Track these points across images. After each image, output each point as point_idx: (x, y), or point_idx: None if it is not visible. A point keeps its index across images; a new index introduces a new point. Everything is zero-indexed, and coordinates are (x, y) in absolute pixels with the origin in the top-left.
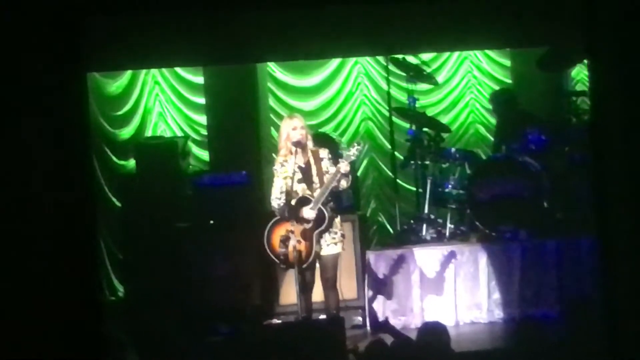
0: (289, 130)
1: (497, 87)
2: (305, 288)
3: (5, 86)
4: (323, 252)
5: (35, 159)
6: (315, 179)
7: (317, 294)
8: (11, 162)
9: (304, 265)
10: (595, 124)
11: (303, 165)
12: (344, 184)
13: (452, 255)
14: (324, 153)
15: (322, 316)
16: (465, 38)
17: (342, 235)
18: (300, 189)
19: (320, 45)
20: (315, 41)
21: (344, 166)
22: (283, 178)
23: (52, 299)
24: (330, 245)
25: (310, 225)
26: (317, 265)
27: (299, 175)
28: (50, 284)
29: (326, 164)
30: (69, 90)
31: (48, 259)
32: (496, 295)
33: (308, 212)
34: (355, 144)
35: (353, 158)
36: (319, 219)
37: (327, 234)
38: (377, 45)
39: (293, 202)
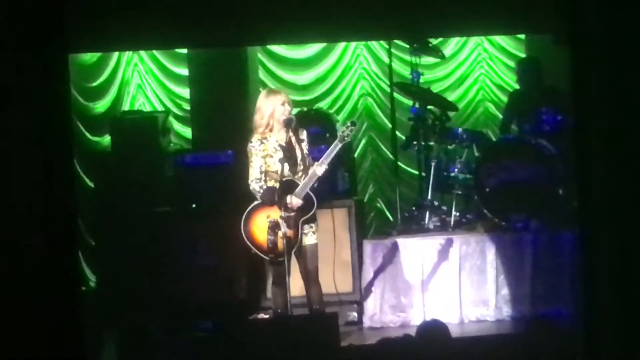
0: (277, 106)
1: (509, 62)
2: (285, 282)
3: None
4: (304, 242)
5: (14, 144)
6: (300, 162)
7: (296, 289)
8: None
9: (289, 256)
10: (578, 116)
11: (285, 145)
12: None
13: (457, 245)
14: (303, 134)
15: (304, 312)
16: (473, 22)
17: (317, 225)
18: (281, 169)
19: (318, 29)
20: (314, 24)
21: (320, 170)
22: (262, 157)
23: (27, 290)
24: (308, 234)
25: (295, 212)
26: (293, 256)
27: (280, 155)
28: (27, 272)
29: (306, 147)
30: (49, 71)
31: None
32: (505, 291)
33: (295, 198)
34: (349, 124)
35: (347, 140)
36: (307, 205)
37: (306, 223)
38: (379, 29)
39: (277, 185)
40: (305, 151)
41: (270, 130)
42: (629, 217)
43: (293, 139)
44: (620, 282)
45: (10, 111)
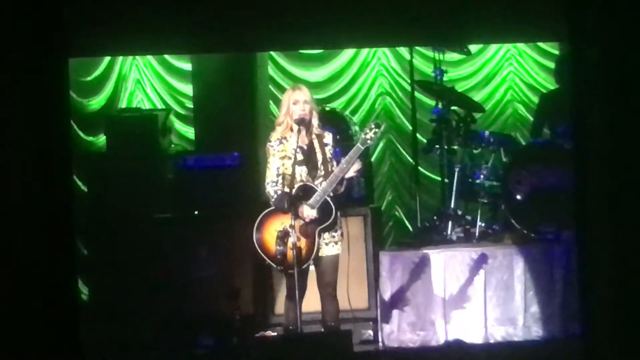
0: (290, 104)
1: (541, 59)
2: (295, 295)
3: None
4: (322, 253)
5: (14, 148)
6: (320, 166)
7: (311, 303)
8: None
9: (303, 267)
10: (577, 117)
11: (305, 147)
12: (339, 188)
13: (482, 259)
14: (328, 138)
15: (319, 329)
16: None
17: (342, 234)
18: (300, 172)
19: (334, 35)
20: (330, 30)
21: (355, 167)
22: (280, 158)
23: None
24: (330, 244)
25: (312, 219)
26: (312, 268)
27: (300, 157)
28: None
29: (330, 151)
30: (49, 75)
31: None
32: (534, 309)
33: (307, 208)
34: (373, 126)
35: (369, 143)
36: (324, 213)
37: (326, 232)
38: (395, 35)
39: (293, 190)
40: (329, 155)
41: (291, 130)
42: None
43: (316, 142)
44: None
45: (9, 114)
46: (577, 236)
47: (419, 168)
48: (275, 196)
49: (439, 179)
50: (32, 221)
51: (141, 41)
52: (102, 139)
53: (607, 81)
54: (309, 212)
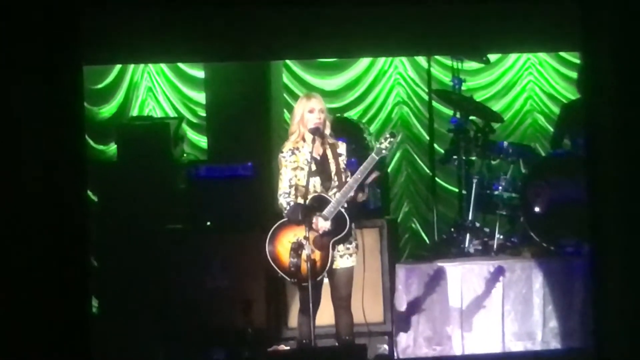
0: (304, 113)
1: (562, 68)
2: (309, 308)
3: None
4: (336, 265)
5: (28, 158)
6: (334, 176)
7: (325, 317)
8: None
9: (317, 280)
10: (589, 124)
11: (319, 158)
12: (359, 196)
13: (500, 272)
14: (342, 148)
15: (333, 343)
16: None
17: (357, 246)
18: (314, 183)
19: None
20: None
21: (355, 186)
22: (292, 169)
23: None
24: (344, 256)
25: (326, 231)
26: (326, 281)
27: (313, 167)
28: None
29: (344, 161)
30: (63, 83)
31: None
32: (553, 323)
33: (321, 220)
34: (388, 135)
35: (385, 153)
36: (338, 225)
37: (340, 244)
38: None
39: (307, 201)
40: (342, 165)
41: (303, 140)
42: None
43: (329, 152)
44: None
45: (23, 121)
46: (590, 247)
47: (436, 179)
48: (288, 207)
49: (457, 190)
50: (46, 233)
51: (155, 49)
52: (112, 147)
53: (621, 91)
54: (322, 223)
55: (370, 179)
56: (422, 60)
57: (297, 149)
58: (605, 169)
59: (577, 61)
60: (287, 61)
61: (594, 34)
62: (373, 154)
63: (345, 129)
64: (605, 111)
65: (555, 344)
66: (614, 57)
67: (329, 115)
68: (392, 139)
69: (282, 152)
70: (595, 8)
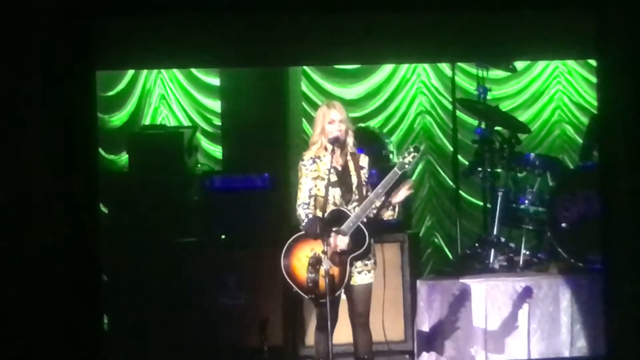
0: (325, 123)
1: (591, 77)
2: (327, 326)
3: (11, 86)
4: (353, 282)
5: (39, 166)
6: (355, 189)
7: (343, 335)
8: (13, 167)
9: (335, 296)
10: (603, 132)
11: (339, 168)
12: (389, 214)
13: (527, 290)
14: (364, 161)
15: None
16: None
17: (375, 262)
18: (334, 194)
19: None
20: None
21: (401, 194)
22: (313, 178)
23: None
24: (362, 272)
25: (345, 246)
26: (343, 297)
27: (333, 178)
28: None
29: (365, 174)
30: (76, 88)
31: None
32: (581, 343)
33: (344, 231)
34: (412, 149)
35: (407, 167)
36: (357, 241)
37: (359, 260)
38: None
39: (325, 214)
40: (364, 178)
41: (325, 150)
42: None
43: (350, 163)
44: None
45: (34, 127)
46: (603, 259)
47: (460, 192)
48: (306, 220)
49: (481, 203)
50: (57, 247)
51: (169, 54)
52: (124, 157)
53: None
54: (341, 239)
55: (402, 198)
56: (446, 68)
57: (319, 157)
58: (619, 179)
59: None
60: (306, 69)
61: (607, 44)
62: (396, 169)
63: (366, 139)
64: (619, 121)
65: None
66: (629, 68)
67: (351, 124)
68: (415, 154)
69: (302, 160)
70: (609, 19)
